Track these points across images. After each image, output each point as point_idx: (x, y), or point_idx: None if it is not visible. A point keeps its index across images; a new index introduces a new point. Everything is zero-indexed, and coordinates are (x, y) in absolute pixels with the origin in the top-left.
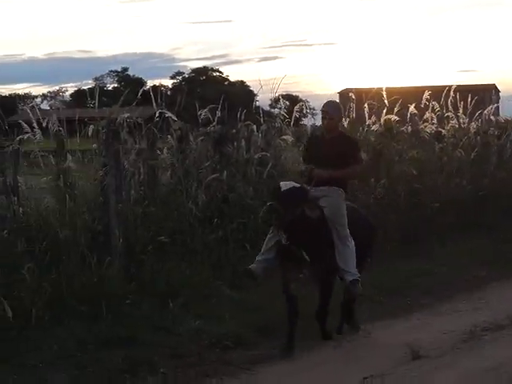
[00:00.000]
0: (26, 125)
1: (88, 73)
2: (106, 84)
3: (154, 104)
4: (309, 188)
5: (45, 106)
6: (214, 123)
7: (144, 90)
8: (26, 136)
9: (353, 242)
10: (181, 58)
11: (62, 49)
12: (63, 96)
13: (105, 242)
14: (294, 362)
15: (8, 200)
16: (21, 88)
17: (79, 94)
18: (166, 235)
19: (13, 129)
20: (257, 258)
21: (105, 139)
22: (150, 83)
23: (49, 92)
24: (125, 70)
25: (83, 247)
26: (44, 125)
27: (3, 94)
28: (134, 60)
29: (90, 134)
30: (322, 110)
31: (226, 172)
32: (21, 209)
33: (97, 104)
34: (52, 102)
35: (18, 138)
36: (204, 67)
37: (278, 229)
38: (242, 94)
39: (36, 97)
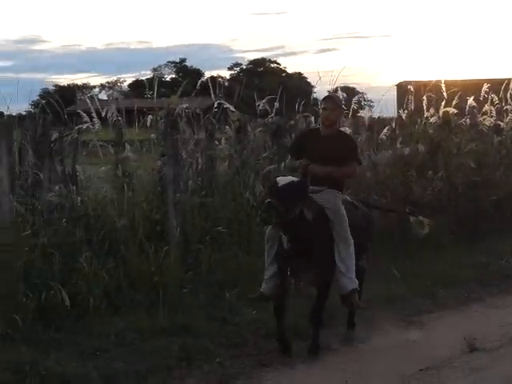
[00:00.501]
0: (84, 114)
1: (146, 63)
2: (164, 75)
3: (213, 95)
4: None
5: (103, 96)
6: (272, 114)
7: (202, 81)
8: (84, 126)
9: (352, 243)
10: (238, 50)
11: (121, 39)
12: (121, 86)
13: (162, 232)
14: (350, 353)
15: (67, 189)
16: (79, 78)
17: (137, 85)
18: (223, 225)
19: (72, 118)
20: (264, 277)
21: (163, 129)
22: (207, 74)
23: (107, 82)
24: (182, 60)
25: (141, 236)
26: (103, 115)
27: (62, 84)
28: (191, 51)
29: (148, 124)
30: (321, 102)
31: (283, 163)
32: (79, 198)
33: (155, 94)
34: (110, 92)
35: (76, 128)
36: (262, 58)
37: (279, 228)
38: (299, 85)
39: (94, 87)
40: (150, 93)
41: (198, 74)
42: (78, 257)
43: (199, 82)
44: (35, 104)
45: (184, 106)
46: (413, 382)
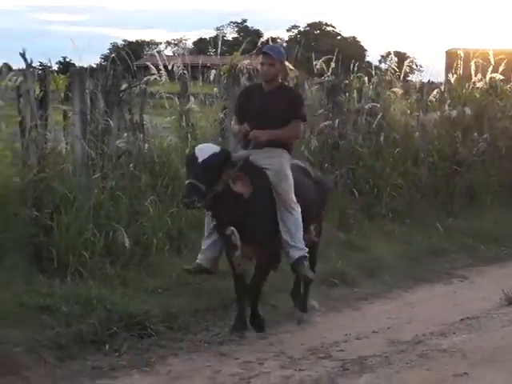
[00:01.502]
0: (152, 67)
1: (209, 23)
2: (226, 34)
3: None
4: (240, 152)
5: (168, 52)
6: (328, 74)
7: (262, 41)
8: (152, 78)
9: (299, 210)
10: (296, 13)
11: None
12: (185, 44)
13: None
14: (394, 301)
15: (134, 136)
16: (146, 34)
17: (201, 43)
18: None
19: (140, 71)
20: (202, 247)
21: (225, 84)
22: (267, 35)
23: (172, 39)
24: (244, 21)
25: None
26: (169, 68)
27: (130, 40)
28: (252, 12)
29: (211, 78)
30: (261, 54)
31: (337, 120)
32: (146, 145)
33: (219, 51)
34: (175, 48)
35: (144, 79)
36: (319, 22)
37: (203, 208)
38: (353, 48)
39: (160, 43)
40: (213, 50)
41: (258, 34)
42: (143, 200)
43: (259, 41)
44: (105, 57)
45: (245, 62)
46: (453, 330)
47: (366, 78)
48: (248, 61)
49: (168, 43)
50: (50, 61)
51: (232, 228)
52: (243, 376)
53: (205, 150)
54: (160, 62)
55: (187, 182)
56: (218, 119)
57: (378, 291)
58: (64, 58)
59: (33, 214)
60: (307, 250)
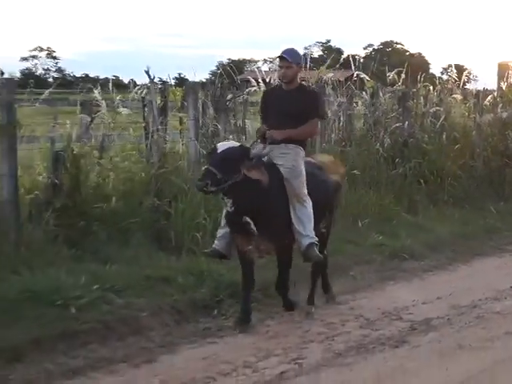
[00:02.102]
0: (253, 80)
1: (299, 42)
2: (313, 52)
3: (353, 67)
4: (258, 148)
5: (265, 68)
6: (399, 84)
7: (343, 58)
8: (252, 89)
9: (310, 203)
10: (371, 34)
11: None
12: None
13: None
14: (454, 272)
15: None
16: (247, 53)
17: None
18: (358, 169)
19: (242, 84)
20: (217, 235)
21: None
22: (346, 52)
23: (268, 57)
24: (328, 41)
25: None
26: (267, 81)
27: (233, 58)
28: (335, 33)
29: None
30: (278, 58)
31: (407, 122)
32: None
33: (308, 66)
34: (271, 65)
35: (246, 91)
36: (390, 41)
37: (217, 194)
38: (419, 62)
39: (258, 61)
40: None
41: (340, 52)
42: None
43: (341, 58)
44: (213, 73)
45: (330, 75)
46: (505, 295)
47: (430, 87)
48: (332, 74)
49: (265, 60)
50: (168, 76)
51: (247, 218)
52: (328, 335)
53: (225, 145)
54: (259, 76)
55: (204, 167)
56: None
57: (440, 264)
58: (179, 74)
59: (155, 202)
60: (317, 238)
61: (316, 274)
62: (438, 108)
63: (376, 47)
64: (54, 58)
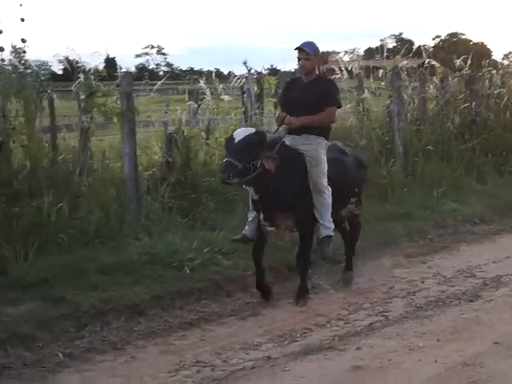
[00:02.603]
0: (337, 69)
1: (375, 35)
2: (388, 43)
3: (424, 55)
4: (278, 133)
5: (346, 58)
6: (466, 69)
7: (415, 48)
8: (337, 76)
9: (329, 193)
10: (439, 25)
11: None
12: (358, 51)
13: (390, 149)
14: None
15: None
16: (330, 46)
17: (369, 51)
18: (432, 145)
19: (328, 72)
20: (248, 219)
21: (390, 79)
22: (417, 43)
23: (349, 49)
24: (400, 33)
25: (375, 152)
26: (349, 69)
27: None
28: (406, 26)
29: (380, 75)
30: (297, 49)
31: (474, 102)
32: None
33: (384, 55)
34: (351, 55)
35: (332, 77)
36: (455, 32)
37: (240, 185)
38: (482, 50)
39: (340, 52)
40: (377, 56)
41: (411, 43)
42: None
43: (413, 48)
44: None
45: (404, 62)
46: None
47: (493, 71)
48: (405, 62)
49: (345, 52)
50: (263, 67)
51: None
52: (410, 291)
53: (241, 133)
54: (341, 65)
55: (224, 160)
56: (386, 105)
57: (508, 227)
58: (271, 65)
59: None
60: (333, 227)
61: (353, 239)
62: (501, 90)
63: (443, 38)
64: (163, 54)
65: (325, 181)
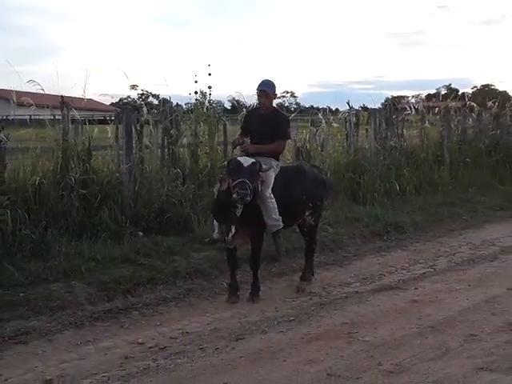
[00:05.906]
0: (407, 107)
1: (432, 85)
2: (441, 90)
3: (466, 99)
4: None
5: (413, 100)
6: (494, 108)
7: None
8: (407, 112)
9: (274, 200)
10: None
11: (424, 76)
12: (422, 95)
13: (441, 159)
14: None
15: (399, 139)
16: (401, 92)
17: (428, 96)
18: (469, 158)
19: (401, 110)
20: (214, 227)
21: (443, 114)
22: (461, 90)
23: (415, 94)
24: (450, 84)
25: (430, 161)
26: (415, 107)
27: (394, 95)
28: (454, 78)
29: (436, 112)
30: (258, 89)
31: (498, 131)
32: (404, 144)
33: (440, 99)
34: (416, 98)
35: (404, 113)
36: (487, 84)
37: (245, 203)
38: (506, 96)
39: (409, 96)
40: (435, 99)
41: (457, 90)
42: (401, 169)
43: (459, 94)
44: (384, 104)
45: (453, 104)
46: None
47: None
48: (453, 103)
49: (413, 96)
50: (359, 106)
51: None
52: (450, 253)
53: (246, 160)
54: (411, 105)
55: (240, 179)
56: (439, 131)
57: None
58: (363, 104)
59: (350, 175)
60: (280, 221)
61: (309, 252)
62: None
63: (479, 87)
64: (294, 96)
65: (268, 192)
